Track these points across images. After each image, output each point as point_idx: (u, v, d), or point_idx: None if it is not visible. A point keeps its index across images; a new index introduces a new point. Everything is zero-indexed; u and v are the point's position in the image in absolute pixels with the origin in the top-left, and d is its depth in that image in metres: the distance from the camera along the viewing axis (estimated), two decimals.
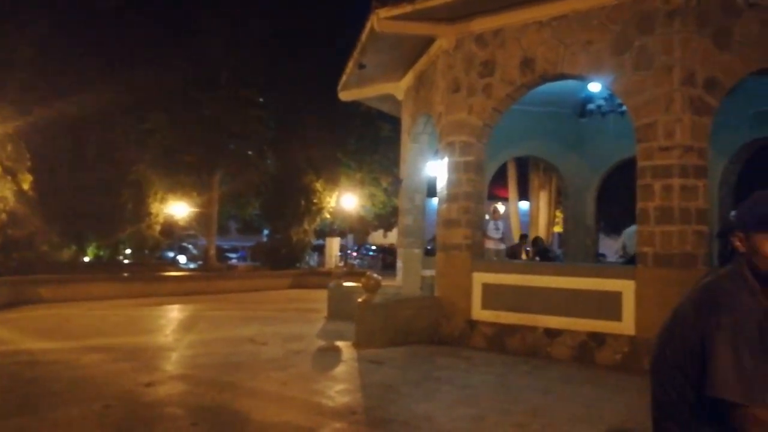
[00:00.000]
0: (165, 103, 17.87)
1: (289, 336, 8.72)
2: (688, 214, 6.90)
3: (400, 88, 11.44)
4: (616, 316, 7.19)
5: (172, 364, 6.93)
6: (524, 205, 20.20)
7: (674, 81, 6.91)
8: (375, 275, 8.65)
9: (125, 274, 17.37)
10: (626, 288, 7.18)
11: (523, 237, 14.75)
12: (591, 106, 10.88)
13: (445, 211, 8.88)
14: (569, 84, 9.09)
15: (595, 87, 9.96)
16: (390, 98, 11.99)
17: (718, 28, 7.00)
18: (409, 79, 10.87)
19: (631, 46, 7.22)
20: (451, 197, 8.78)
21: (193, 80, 17.86)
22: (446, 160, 8.85)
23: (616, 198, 18.30)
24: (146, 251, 21.28)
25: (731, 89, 7.46)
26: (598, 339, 7.30)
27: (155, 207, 19.98)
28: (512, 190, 18.80)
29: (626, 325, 7.11)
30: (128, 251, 21.77)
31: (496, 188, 22.25)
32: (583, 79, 8.06)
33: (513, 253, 13.38)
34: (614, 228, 29.47)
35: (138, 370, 6.32)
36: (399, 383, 5.97)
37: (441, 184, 9.08)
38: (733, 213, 1.84)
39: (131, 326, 9.72)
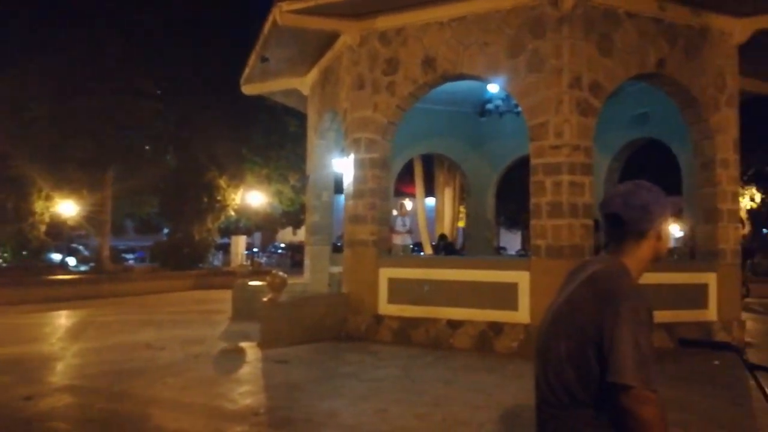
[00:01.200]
0: (48, 91, 16.43)
1: (189, 339, 8.37)
2: (576, 209, 7.38)
3: (305, 83, 11.31)
4: (513, 305, 7.56)
5: (57, 374, 6.42)
6: (431, 201, 20.72)
7: (563, 84, 7.35)
8: (281, 273, 8.51)
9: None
10: (522, 279, 7.57)
11: (442, 237, 15.06)
12: (490, 106, 11.33)
13: (351, 207, 8.90)
14: (470, 84, 9.41)
15: (493, 87, 10.37)
16: (296, 93, 11.83)
17: (602, 35, 7.53)
18: (314, 74, 10.78)
19: (524, 49, 7.59)
20: (357, 194, 8.81)
21: (80, 66, 16.51)
22: (352, 156, 8.87)
23: (515, 194, 19.20)
24: (25, 253, 19.46)
25: (613, 93, 8.08)
26: (496, 328, 7.64)
27: (39, 205, 18.40)
28: (419, 187, 19.19)
29: (522, 314, 7.49)
30: (5, 254, 19.85)
31: (403, 185, 22.62)
32: (482, 79, 8.37)
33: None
34: (513, 223, 31.01)
35: (17, 383, 5.80)
36: (304, 381, 5.91)
37: (347, 181, 9.09)
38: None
39: (11, 335, 8.90)
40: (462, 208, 18.13)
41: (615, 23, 7.61)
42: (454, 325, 7.92)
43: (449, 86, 9.37)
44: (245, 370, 6.60)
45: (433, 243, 13.95)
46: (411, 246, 13.04)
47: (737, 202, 8.87)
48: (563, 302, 1.81)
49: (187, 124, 19.29)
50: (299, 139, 16.24)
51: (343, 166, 9.42)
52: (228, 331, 9.37)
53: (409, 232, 12.34)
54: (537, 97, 7.55)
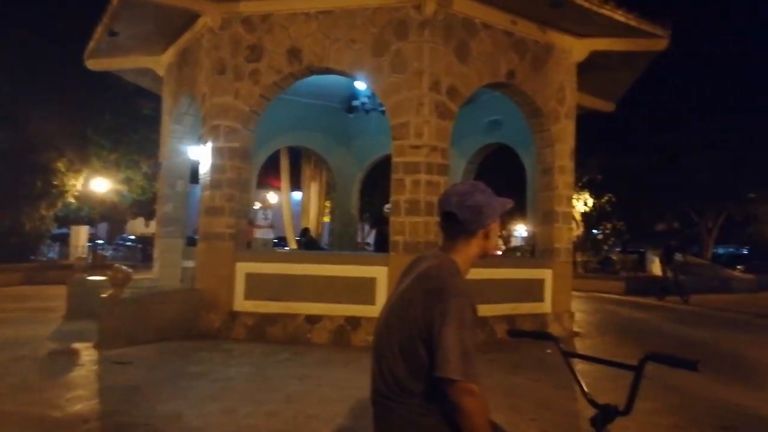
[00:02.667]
0: None
1: (11, 340, 7.41)
2: (433, 207, 7.68)
3: (160, 63, 10.53)
4: (371, 300, 7.69)
5: None
6: (298, 195, 20.46)
7: (424, 86, 7.60)
8: (124, 267, 7.85)
9: None
10: (380, 274, 7.72)
11: (305, 232, 14.83)
12: (356, 103, 11.42)
13: (208, 198, 8.47)
14: (339, 79, 9.38)
15: (360, 84, 10.46)
16: (150, 73, 10.97)
17: (460, 42, 7.91)
18: (171, 54, 10.08)
19: (388, 49, 7.73)
20: (214, 184, 8.40)
21: None
22: (210, 144, 8.43)
23: (380, 191, 19.61)
24: None
25: (470, 99, 8.53)
26: (354, 322, 7.72)
27: None
28: (284, 181, 18.84)
29: (378, 308, 7.55)
30: None
31: (269, 177, 22.11)
32: (348, 75, 8.39)
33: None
34: (378, 220, 31.68)
35: None
36: (146, 384, 5.49)
37: (204, 170, 8.63)
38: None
39: None
40: (328, 203, 18.13)
41: (472, 32, 8.03)
42: (312, 320, 7.87)
43: (318, 79, 9.28)
44: (77, 374, 5.97)
45: (298, 238, 13.77)
46: (274, 240, 12.76)
47: (571, 205, 9.82)
48: (398, 297, 1.88)
49: (19, 98, 17.04)
50: (153, 123, 15.07)
51: (200, 155, 8.93)
52: (60, 330, 8.45)
53: (272, 226, 12.07)
54: (399, 97, 7.73)
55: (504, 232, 28.56)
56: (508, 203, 1.98)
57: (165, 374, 5.92)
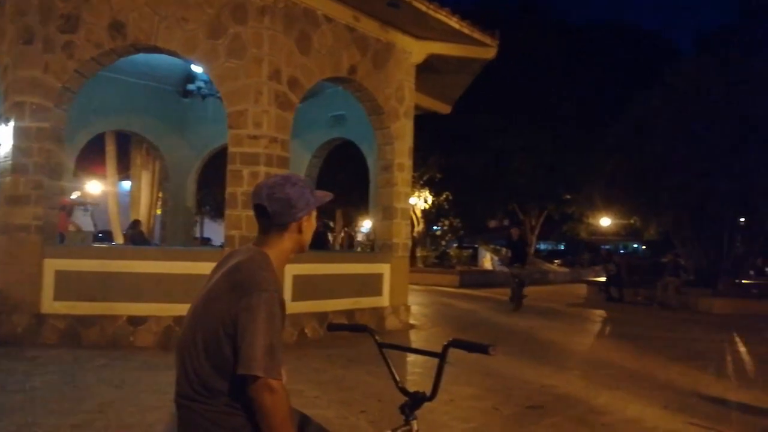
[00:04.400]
0: None
1: None
2: None
3: None
4: None
5: None
6: (127, 185, 18.80)
7: (263, 74, 7.34)
8: None
9: None
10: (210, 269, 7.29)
11: (134, 224, 13.55)
12: (192, 87, 10.72)
13: (9, 185, 7.38)
14: (173, 60, 8.71)
15: (198, 67, 9.84)
16: None
17: (301, 33, 7.76)
18: None
19: (225, 32, 7.34)
20: (18, 169, 7.34)
21: None
22: (13, 124, 7.34)
23: (220, 183, 18.77)
24: None
25: (313, 91, 8.46)
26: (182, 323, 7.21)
27: None
28: (111, 168, 17.16)
29: None
30: None
31: (93, 164, 20.07)
32: (179, 57, 7.81)
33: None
34: (220, 213, 30.39)
35: None
36: None
37: (5, 153, 7.50)
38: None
39: None
40: (162, 194, 16.89)
41: (314, 24, 7.93)
42: (135, 321, 7.23)
43: (149, 58, 8.55)
44: None
45: (125, 231, 12.61)
46: (99, 234, 11.53)
47: (408, 201, 10.18)
48: (204, 293, 1.79)
49: None
50: None
51: (1, 135, 7.74)
52: None
53: (92, 217, 10.91)
54: (236, 84, 7.38)
55: (350, 229, 29.04)
56: (326, 197, 1.95)
57: None
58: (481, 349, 1.90)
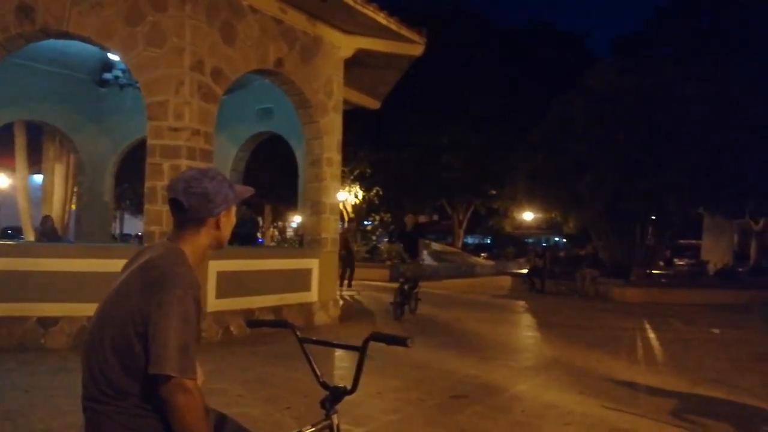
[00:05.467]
0: None
1: None
2: None
3: None
4: None
5: None
6: (39, 178, 17.64)
7: (185, 64, 7.08)
8: None
9: None
10: None
11: (45, 220, 12.66)
12: (108, 76, 10.21)
13: None
14: (89, 47, 8.24)
15: (115, 56, 9.36)
16: None
17: (225, 23, 7.55)
18: None
19: (144, 19, 7.02)
20: None
21: None
22: None
23: (140, 177, 17.99)
24: None
25: (239, 84, 8.24)
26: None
27: None
28: (20, 160, 16.01)
29: None
30: None
31: (1, 157, 18.72)
32: (95, 44, 7.41)
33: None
34: (141, 208, 29.16)
35: None
36: None
37: None
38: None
39: None
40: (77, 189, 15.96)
41: (239, 14, 7.73)
42: (46, 322, 6.82)
43: (62, 45, 8.05)
44: None
45: (36, 227, 11.82)
46: (5, 230, 10.74)
47: (337, 196, 10.16)
48: (113, 291, 1.72)
49: None
50: None
51: None
52: None
53: None
54: (156, 74, 7.09)
55: (281, 223, 28.65)
56: (246, 192, 1.91)
57: None
58: (400, 341, 1.92)
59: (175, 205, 1.76)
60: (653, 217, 17.33)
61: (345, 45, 9.44)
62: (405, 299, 10.04)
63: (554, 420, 4.73)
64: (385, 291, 15.39)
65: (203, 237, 1.79)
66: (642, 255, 16.68)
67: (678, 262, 27.94)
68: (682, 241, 29.10)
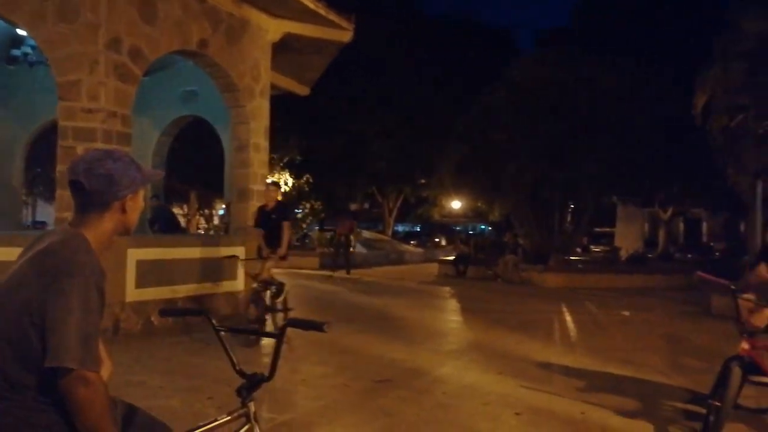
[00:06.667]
0: None
1: None
2: None
3: None
4: None
5: None
6: None
7: (99, 42, 6.71)
8: None
9: None
10: None
11: None
12: (17, 53, 9.51)
13: None
14: None
15: (23, 30, 8.72)
16: None
17: (144, 1, 7.20)
18: None
19: None
20: None
21: None
22: None
23: (54, 161, 16.93)
24: None
25: (161, 65, 7.89)
26: None
27: None
28: None
29: None
30: None
31: None
32: (0, 18, 6.89)
33: None
34: (54, 194, 27.41)
35: None
36: None
37: None
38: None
39: None
40: None
41: None
42: None
43: None
44: None
45: None
46: None
47: (265, 183, 9.98)
48: (7, 279, 1.63)
49: None
50: None
51: None
52: None
53: None
54: (67, 51, 6.68)
55: (207, 211, 27.82)
56: (156, 175, 1.87)
57: None
58: (317, 326, 1.94)
59: (76, 187, 1.68)
60: (571, 206, 18.22)
61: (273, 28, 9.24)
62: (265, 311, 7.02)
63: (474, 400, 4.91)
64: (314, 279, 15.37)
65: (107, 222, 1.71)
66: (560, 242, 17.51)
67: (594, 248, 29.49)
68: (597, 229, 30.79)
